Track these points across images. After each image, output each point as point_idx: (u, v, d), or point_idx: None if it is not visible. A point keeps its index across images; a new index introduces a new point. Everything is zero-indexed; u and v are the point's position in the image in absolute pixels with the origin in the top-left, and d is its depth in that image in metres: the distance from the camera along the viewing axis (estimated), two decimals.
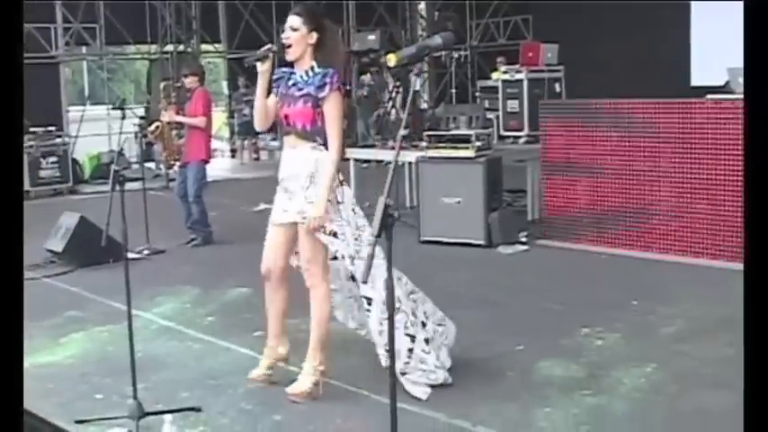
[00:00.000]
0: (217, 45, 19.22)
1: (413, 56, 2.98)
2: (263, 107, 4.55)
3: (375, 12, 18.09)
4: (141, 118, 17.50)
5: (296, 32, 4.41)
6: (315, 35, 4.43)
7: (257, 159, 18.38)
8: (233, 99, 18.31)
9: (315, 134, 4.45)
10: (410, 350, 4.48)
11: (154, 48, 17.52)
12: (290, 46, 4.41)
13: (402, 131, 3.32)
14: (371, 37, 11.09)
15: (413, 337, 4.49)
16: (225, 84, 19.30)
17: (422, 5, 19.43)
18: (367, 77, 15.07)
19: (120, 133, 4.78)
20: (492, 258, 7.93)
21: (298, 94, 4.45)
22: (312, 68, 4.45)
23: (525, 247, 8.20)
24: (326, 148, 4.46)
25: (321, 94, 4.38)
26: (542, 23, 16.80)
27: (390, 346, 2.75)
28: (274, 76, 4.57)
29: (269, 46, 4.49)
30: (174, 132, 8.92)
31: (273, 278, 4.62)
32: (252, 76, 17.85)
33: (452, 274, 7.18)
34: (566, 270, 7.44)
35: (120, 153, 16.86)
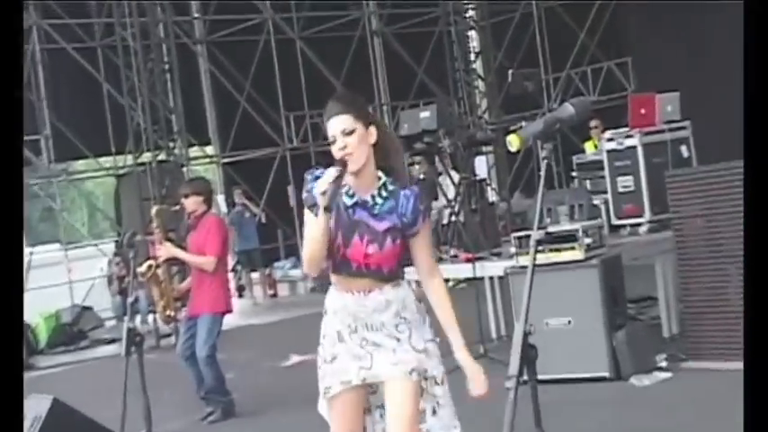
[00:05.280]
0: (206, 148, 19.62)
1: (540, 133, 3.16)
2: (322, 249, 4.48)
3: (414, 80, 18.40)
4: (115, 255, 17.84)
5: (352, 136, 4.43)
6: (374, 130, 4.50)
7: (274, 296, 18.60)
8: (230, 219, 17.90)
9: (399, 273, 4.63)
10: None
11: (121, 160, 17.80)
12: (349, 154, 4.41)
13: (535, 234, 3.48)
14: (425, 114, 11.14)
15: None
16: (221, 198, 19.26)
17: (477, 63, 19.86)
18: (415, 169, 15.37)
19: (134, 277, 5.05)
20: (624, 394, 8.07)
21: (380, 227, 4.51)
22: (384, 186, 4.54)
23: (667, 374, 8.36)
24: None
25: (413, 230, 4.54)
26: (646, 68, 17.14)
27: None
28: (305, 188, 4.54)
29: (333, 171, 4.35)
30: (175, 269, 9.21)
31: None
32: (252, 182, 18.13)
33: (574, 424, 7.28)
34: (729, 401, 7.50)
35: (88, 308, 17.35)
